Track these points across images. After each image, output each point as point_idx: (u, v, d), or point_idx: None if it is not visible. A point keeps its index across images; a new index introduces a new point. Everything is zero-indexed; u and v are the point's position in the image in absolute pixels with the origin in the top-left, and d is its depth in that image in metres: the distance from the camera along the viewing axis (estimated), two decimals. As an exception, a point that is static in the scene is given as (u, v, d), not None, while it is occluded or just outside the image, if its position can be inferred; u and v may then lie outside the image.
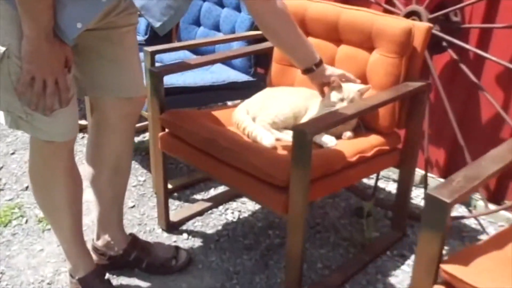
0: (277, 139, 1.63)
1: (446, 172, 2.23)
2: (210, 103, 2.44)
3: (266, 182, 1.47)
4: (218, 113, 1.86)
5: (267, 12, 1.47)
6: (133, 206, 2.16)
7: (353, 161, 1.61)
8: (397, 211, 1.95)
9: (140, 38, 2.75)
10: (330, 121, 1.48)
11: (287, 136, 1.68)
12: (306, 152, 1.34)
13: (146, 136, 2.75)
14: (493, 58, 1.87)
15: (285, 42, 1.55)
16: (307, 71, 1.61)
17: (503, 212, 2.04)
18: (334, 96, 1.65)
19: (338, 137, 1.70)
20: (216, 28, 2.55)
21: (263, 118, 1.73)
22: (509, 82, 1.96)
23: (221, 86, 2.27)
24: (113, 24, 1.40)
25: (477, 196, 2.12)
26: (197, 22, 2.63)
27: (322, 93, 1.69)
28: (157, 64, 2.05)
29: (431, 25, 1.70)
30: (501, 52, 1.91)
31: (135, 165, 2.46)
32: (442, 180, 2.23)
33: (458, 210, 2.14)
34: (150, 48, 1.97)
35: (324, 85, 1.68)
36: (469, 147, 1.98)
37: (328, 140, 1.63)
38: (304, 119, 1.73)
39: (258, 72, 2.41)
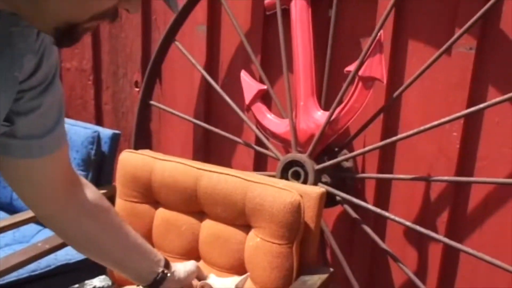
0: None
1: None
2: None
3: None
4: None
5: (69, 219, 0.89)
6: None
7: None
8: None
9: None
10: None
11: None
12: None
13: None
14: (396, 219, 1.41)
15: (110, 255, 0.96)
16: (152, 286, 1.00)
17: None
18: None
19: None
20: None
21: None
22: (416, 243, 1.54)
23: (44, 275, 1.56)
24: None
25: None
26: None
27: None
28: None
29: (323, 189, 1.24)
30: (403, 207, 1.51)
31: None
32: None
33: None
34: None
35: None
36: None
37: None
38: None
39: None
